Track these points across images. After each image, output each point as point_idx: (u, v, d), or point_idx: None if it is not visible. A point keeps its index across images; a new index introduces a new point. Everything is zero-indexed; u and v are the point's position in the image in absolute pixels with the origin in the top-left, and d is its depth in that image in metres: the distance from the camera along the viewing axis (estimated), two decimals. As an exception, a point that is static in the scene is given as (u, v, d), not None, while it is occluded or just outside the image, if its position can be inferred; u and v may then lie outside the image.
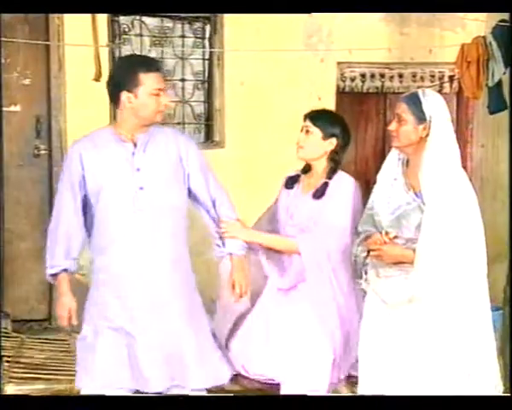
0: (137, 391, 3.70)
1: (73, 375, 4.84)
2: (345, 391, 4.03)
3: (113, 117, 6.19)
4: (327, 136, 4.01)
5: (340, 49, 6.54)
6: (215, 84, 6.63)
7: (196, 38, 6.61)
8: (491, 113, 6.11)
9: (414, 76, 6.97)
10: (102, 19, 6.04)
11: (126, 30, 6.38)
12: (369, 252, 3.65)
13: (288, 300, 4.02)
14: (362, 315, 3.80)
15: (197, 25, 6.59)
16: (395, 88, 6.93)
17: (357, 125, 6.89)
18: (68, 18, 5.87)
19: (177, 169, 3.77)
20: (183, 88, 6.61)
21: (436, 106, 3.58)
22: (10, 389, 4.79)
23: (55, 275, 3.72)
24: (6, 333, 5.71)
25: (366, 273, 3.69)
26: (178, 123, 6.54)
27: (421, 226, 3.50)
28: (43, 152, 6.14)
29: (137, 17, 6.36)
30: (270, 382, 3.97)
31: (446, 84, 7.01)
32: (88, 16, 5.87)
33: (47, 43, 5.99)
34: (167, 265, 3.71)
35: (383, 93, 6.98)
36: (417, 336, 3.55)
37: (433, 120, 3.56)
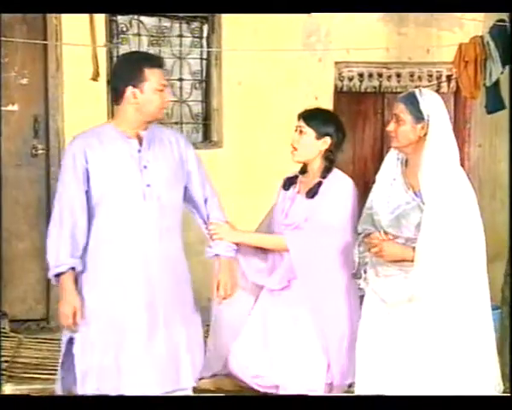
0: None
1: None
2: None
3: (112, 116, 6.24)
4: (321, 135, 3.99)
5: (338, 48, 6.54)
6: (213, 83, 6.62)
7: (194, 37, 6.61)
8: (489, 112, 6.11)
9: (412, 76, 6.97)
10: (100, 18, 6.03)
11: (124, 29, 6.38)
12: (369, 251, 3.65)
13: (282, 300, 4.01)
14: (360, 316, 3.80)
15: (195, 24, 6.59)
16: (393, 88, 6.93)
17: (355, 125, 6.90)
18: (66, 18, 5.86)
19: (178, 168, 3.79)
20: (180, 87, 6.61)
21: (433, 105, 3.59)
22: (8, 389, 4.79)
23: (58, 274, 3.65)
24: (4, 333, 5.70)
25: (365, 272, 3.69)
26: (176, 123, 6.53)
27: (421, 225, 3.50)
28: (40, 152, 6.13)
29: (135, 17, 6.35)
30: (267, 386, 3.97)
31: (444, 84, 7.02)
32: (86, 16, 5.86)
33: (45, 42, 5.97)
34: (169, 260, 3.73)
35: (381, 93, 6.98)
36: (417, 335, 3.55)
37: (431, 119, 3.56)
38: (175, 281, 3.76)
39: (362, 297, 3.83)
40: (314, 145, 4.00)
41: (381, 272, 3.64)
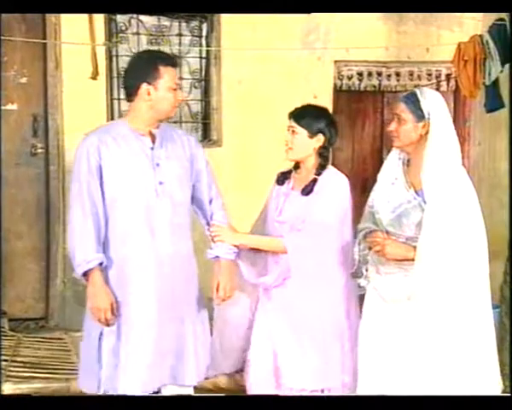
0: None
1: (70, 373, 4.87)
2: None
3: (111, 115, 6.24)
4: (313, 133, 3.96)
5: (337, 47, 6.54)
6: (212, 82, 6.62)
7: (193, 36, 6.61)
8: (488, 111, 6.12)
9: (411, 74, 6.98)
10: (99, 17, 6.04)
11: (123, 28, 6.37)
12: (370, 249, 3.65)
13: (281, 303, 4.00)
14: (359, 315, 3.80)
15: (194, 23, 6.59)
16: (392, 86, 6.94)
17: (354, 124, 6.91)
18: (65, 16, 5.86)
19: (188, 167, 3.82)
20: (180, 86, 6.60)
21: (434, 103, 3.59)
22: (7, 388, 4.79)
23: (86, 271, 3.61)
24: (3, 332, 5.71)
25: (366, 271, 3.70)
26: (175, 122, 6.51)
27: (423, 224, 3.50)
28: (39, 151, 6.14)
29: (134, 16, 6.35)
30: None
31: (443, 83, 7.02)
32: (85, 14, 5.86)
33: (44, 41, 5.98)
34: (180, 257, 3.76)
35: (380, 91, 6.99)
36: (417, 334, 3.54)
37: (432, 118, 3.57)
38: (185, 278, 3.80)
39: (362, 296, 3.83)
40: (308, 144, 3.98)
41: (382, 270, 3.65)
